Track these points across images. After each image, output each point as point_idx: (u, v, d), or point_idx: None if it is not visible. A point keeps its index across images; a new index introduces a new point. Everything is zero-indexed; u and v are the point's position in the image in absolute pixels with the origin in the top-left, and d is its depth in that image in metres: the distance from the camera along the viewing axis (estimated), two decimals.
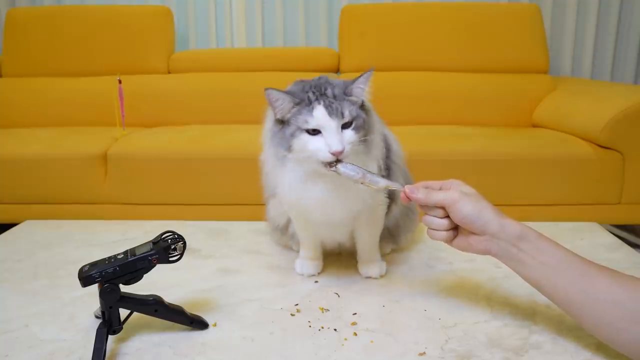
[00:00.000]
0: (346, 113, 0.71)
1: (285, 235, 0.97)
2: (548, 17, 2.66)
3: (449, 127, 2.23)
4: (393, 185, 0.74)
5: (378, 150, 0.79)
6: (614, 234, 1.06)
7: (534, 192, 1.88)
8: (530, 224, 0.70)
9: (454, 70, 2.46)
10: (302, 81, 0.77)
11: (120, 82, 2.17)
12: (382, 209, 0.87)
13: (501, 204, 0.73)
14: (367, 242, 0.89)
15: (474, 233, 0.69)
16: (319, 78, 0.77)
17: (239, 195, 1.88)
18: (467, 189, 0.71)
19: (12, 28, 2.57)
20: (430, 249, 0.99)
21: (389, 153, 0.85)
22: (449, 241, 0.72)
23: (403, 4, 2.57)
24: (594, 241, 1.01)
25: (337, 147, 0.69)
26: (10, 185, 1.94)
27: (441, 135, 2.10)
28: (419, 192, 0.71)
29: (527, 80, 2.43)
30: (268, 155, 0.79)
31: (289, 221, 0.93)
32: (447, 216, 0.70)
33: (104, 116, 2.31)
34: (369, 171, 0.73)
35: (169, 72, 2.58)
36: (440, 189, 0.72)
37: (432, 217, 0.72)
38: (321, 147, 0.70)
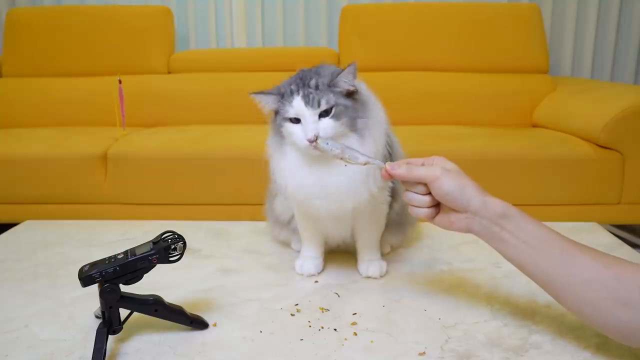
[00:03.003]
0: (322, 102, 0.75)
1: (285, 230, 0.98)
2: (548, 17, 2.67)
3: (448, 127, 2.23)
4: (373, 162, 0.73)
5: (376, 133, 0.79)
6: (614, 234, 1.06)
7: (534, 192, 1.88)
8: None
9: (454, 70, 2.46)
10: (302, 70, 0.81)
11: (120, 82, 2.17)
12: (384, 208, 0.88)
13: None
14: (368, 241, 0.89)
15: (455, 210, 0.68)
16: (310, 69, 0.81)
17: (239, 195, 1.88)
18: (450, 165, 0.70)
19: (12, 28, 2.57)
20: (430, 249, 0.99)
21: (391, 149, 0.85)
22: (431, 219, 0.71)
23: (403, 4, 2.57)
24: (593, 241, 1.00)
25: (310, 134, 0.74)
26: (10, 185, 1.94)
27: (441, 135, 2.09)
28: (400, 168, 0.70)
29: (527, 80, 2.43)
30: (270, 142, 0.84)
31: (292, 217, 0.94)
32: (429, 193, 0.69)
33: (104, 116, 2.31)
34: (350, 147, 0.74)
35: (169, 72, 2.58)
36: (423, 165, 0.71)
37: (414, 194, 0.71)
38: (299, 133, 0.76)
